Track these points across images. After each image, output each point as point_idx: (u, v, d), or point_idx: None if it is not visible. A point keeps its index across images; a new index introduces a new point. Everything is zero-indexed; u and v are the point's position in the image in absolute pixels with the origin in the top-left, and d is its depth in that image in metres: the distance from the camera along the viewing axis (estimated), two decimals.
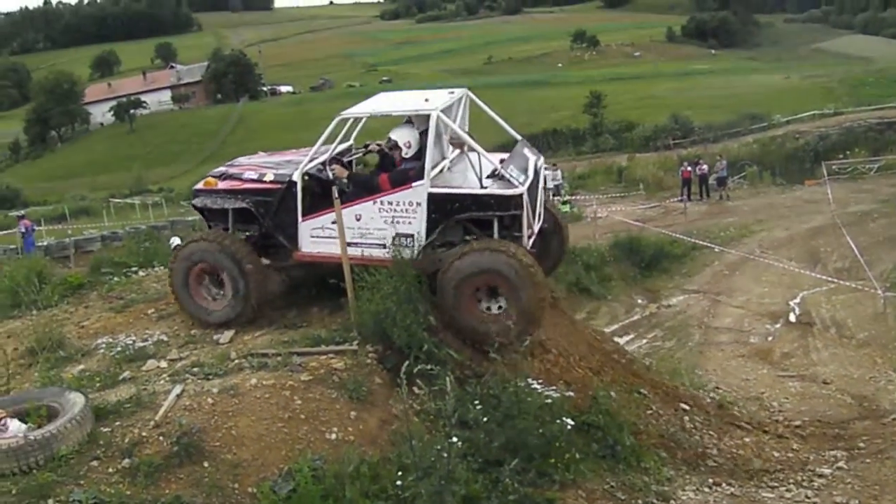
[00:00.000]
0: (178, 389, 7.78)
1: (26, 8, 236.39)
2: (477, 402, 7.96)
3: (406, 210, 9.65)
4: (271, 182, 10.30)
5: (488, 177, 9.60)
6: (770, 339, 18.17)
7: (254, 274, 10.06)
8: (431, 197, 9.49)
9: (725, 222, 31.19)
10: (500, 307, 9.35)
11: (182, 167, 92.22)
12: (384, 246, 9.78)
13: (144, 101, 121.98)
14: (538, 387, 8.41)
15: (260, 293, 10.18)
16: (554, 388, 8.68)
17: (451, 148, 10.66)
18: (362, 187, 10.08)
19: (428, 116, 9.63)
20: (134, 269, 15.01)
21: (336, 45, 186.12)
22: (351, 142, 11.27)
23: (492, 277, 9.17)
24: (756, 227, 29.94)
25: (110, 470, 6.74)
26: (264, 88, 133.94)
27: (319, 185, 10.30)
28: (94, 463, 6.80)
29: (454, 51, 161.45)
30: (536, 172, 10.21)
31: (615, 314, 21.35)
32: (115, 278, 14.26)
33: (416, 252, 9.57)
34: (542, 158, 10.91)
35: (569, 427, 8.02)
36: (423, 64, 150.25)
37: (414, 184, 9.59)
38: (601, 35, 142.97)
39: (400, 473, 6.81)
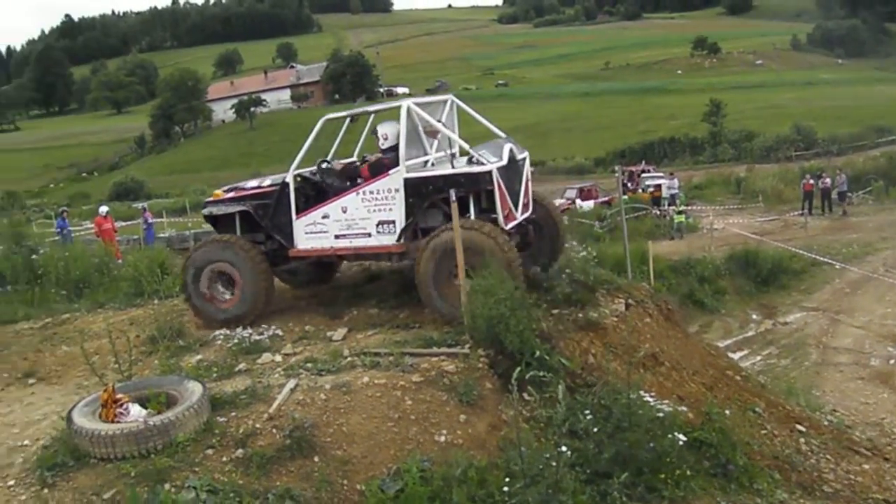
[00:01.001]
0: (291, 384, 7.91)
1: (155, 7, 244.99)
2: (587, 412, 7.84)
3: (385, 197, 10.36)
4: (269, 186, 11.24)
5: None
6: (892, 362, 17.45)
7: (261, 275, 10.84)
8: (407, 182, 10.19)
9: (848, 238, 30.14)
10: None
11: None
12: (369, 234, 10.53)
13: (264, 100, 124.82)
14: (650, 400, 8.26)
15: (266, 294, 11.01)
16: (666, 402, 8.52)
17: (435, 143, 11.16)
18: (348, 181, 11.04)
19: (408, 111, 10.38)
20: None
21: (453, 48, 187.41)
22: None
23: (466, 255, 9.47)
24: (880, 245, 28.81)
25: (224, 459, 6.88)
26: (381, 90, 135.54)
27: (310, 185, 11.28)
28: (209, 451, 6.96)
29: (571, 55, 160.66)
30: (515, 161, 10.64)
31: (729, 329, 20.90)
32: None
33: (397, 237, 10.32)
34: (525, 154, 11.28)
35: (680, 443, 7.83)
36: (540, 68, 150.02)
37: (391, 171, 10.31)
38: (722, 42, 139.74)
39: (507, 480, 6.75)
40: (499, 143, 10.90)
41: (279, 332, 10.20)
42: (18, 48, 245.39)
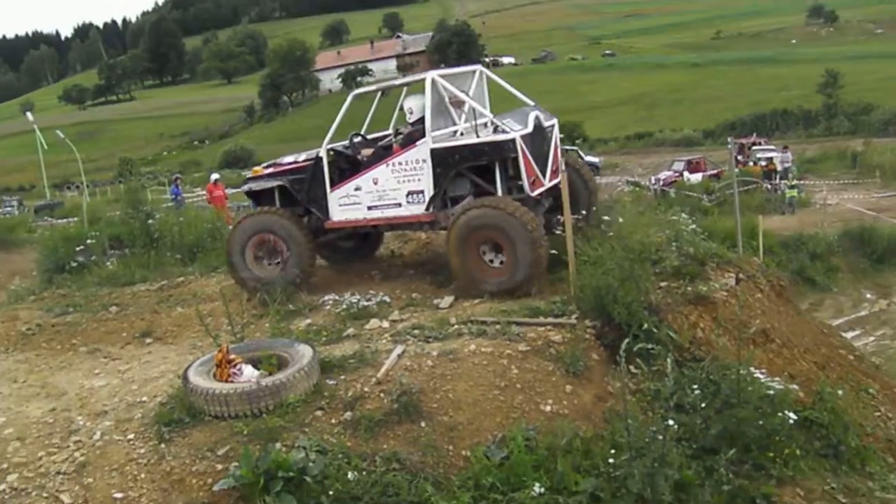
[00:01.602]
0: (399, 349, 8.00)
1: None
2: (695, 386, 7.71)
3: (414, 168, 10.66)
4: (304, 161, 11.66)
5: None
6: None
7: (304, 245, 11.23)
8: (434, 152, 10.45)
9: None
10: (501, 262, 10.15)
11: None
12: (399, 204, 10.83)
13: (371, 70, 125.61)
14: (760, 376, 8.08)
15: (308, 263, 11.38)
16: (777, 379, 8.31)
17: (461, 114, 11.43)
18: (380, 155, 11.34)
19: (433, 83, 10.71)
20: None
21: (559, 16, 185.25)
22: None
23: (493, 233, 9.99)
24: None
25: (333, 421, 7.03)
26: (486, 59, 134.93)
27: (344, 158, 11.57)
28: (319, 413, 7.12)
29: (681, 24, 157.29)
30: (542, 128, 10.87)
31: (840, 308, 20.33)
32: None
33: (426, 206, 10.63)
34: (554, 121, 11.47)
35: (791, 421, 7.63)
36: (648, 38, 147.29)
37: (418, 142, 10.60)
38: (840, 9, 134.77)
39: (612, 451, 6.72)
40: (525, 111, 11.10)
41: (387, 298, 10.28)
42: (133, 20, 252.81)
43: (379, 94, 12.46)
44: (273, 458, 6.14)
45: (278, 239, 11.35)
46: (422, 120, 10.72)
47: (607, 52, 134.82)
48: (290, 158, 12.19)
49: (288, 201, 11.85)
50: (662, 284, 9.64)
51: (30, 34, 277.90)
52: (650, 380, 7.90)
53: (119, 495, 6.51)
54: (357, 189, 11.09)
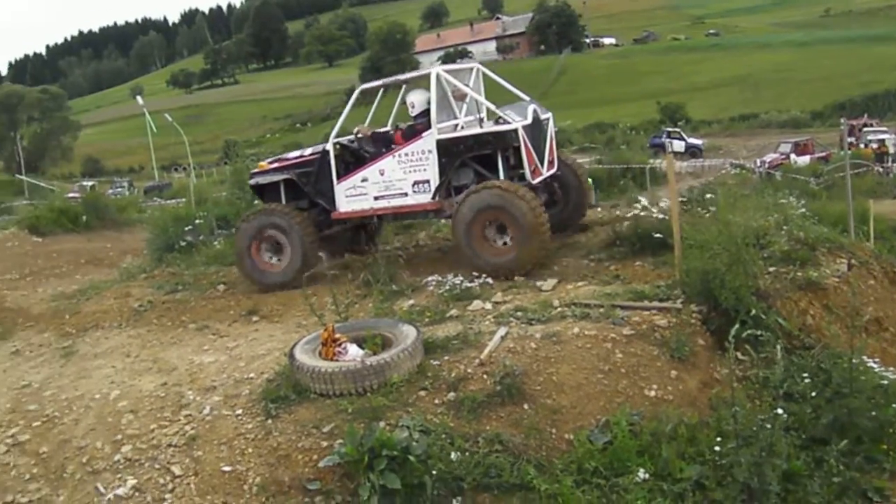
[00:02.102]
0: (502, 331, 7.99)
1: None
2: (805, 374, 7.51)
3: (420, 159, 11.32)
4: (310, 155, 12.39)
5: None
6: None
7: (307, 242, 11.85)
8: (439, 143, 11.10)
9: None
10: (504, 242, 10.79)
11: None
12: (406, 194, 11.52)
13: (470, 52, 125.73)
14: (874, 366, 7.81)
15: (311, 259, 11.98)
16: (891, 369, 8.02)
17: (464, 107, 11.83)
18: (383, 146, 12.05)
19: (438, 78, 11.44)
20: None
21: None
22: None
23: (497, 213, 10.57)
24: None
25: (436, 401, 7.05)
26: (587, 40, 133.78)
27: (349, 152, 12.37)
28: (422, 393, 7.15)
29: (787, 2, 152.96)
30: (539, 121, 11.47)
31: None
32: (442, 220, 14.86)
33: (432, 195, 11.28)
34: (549, 115, 12.01)
35: None
36: (754, 17, 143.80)
37: (424, 134, 11.24)
38: None
39: (718, 439, 6.57)
40: (522, 104, 11.65)
41: (489, 280, 10.31)
42: (238, 5, 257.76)
43: (382, 89, 13.24)
44: (377, 437, 6.19)
45: (281, 235, 11.99)
46: (424, 113, 11.53)
47: (711, 31, 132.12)
48: (295, 153, 13.05)
49: (293, 195, 12.58)
50: (771, 269, 9.41)
51: (139, 21, 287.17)
52: (758, 367, 7.73)
53: (227, 468, 6.67)
54: (364, 180, 11.77)
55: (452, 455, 6.32)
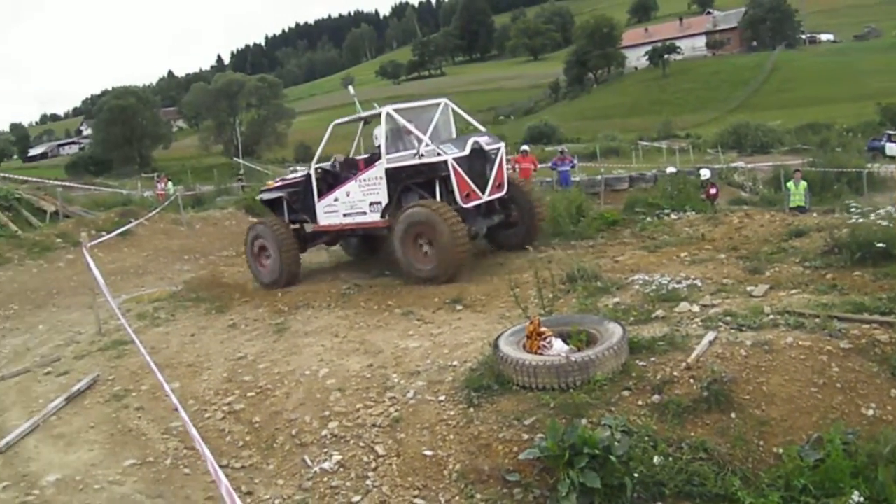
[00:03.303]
0: (711, 336, 7.75)
1: None
2: None
3: (374, 183, 13.61)
4: (300, 177, 15.31)
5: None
6: None
7: (287, 251, 14.42)
8: (387, 171, 13.41)
9: None
10: (425, 253, 12.81)
11: (710, 114, 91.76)
12: (364, 213, 13.87)
13: (679, 47, 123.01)
14: None
15: (292, 263, 14.53)
16: None
17: (420, 141, 13.40)
18: (352, 171, 14.44)
19: (385, 115, 13.56)
20: (666, 211, 15.27)
21: None
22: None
23: (423, 228, 12.67)
24: None
25: (640, 403, 6.91)
26: (803, 36, 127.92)
27: (330, 175, 14.77)
28: (626, 393, 7.02)
29: None
30: (480, 151, 13.42)
31: None
32: (648, 218, 14.64)
33: (381, 213, 13.58)
34: (499, 145, 13.98)
35: None
36: None
37: (377, 163, 13.58)
38: None
39: None
40: (466, 137, 13.78)
41: (697, 282, 10.04)
42: None
43: (362, 122, 14.99)
44: (579, 434, 6.13)
45: (267, 243, 14.64)
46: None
47: None
48: (294, 175, 16.08)
49: (292, 210, 15.22)
50: None
51: (352, 13, 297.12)
52: None
53: (429, 453, 6.80)
54: (336, 199, 14.21)
55: (655, 459, 6.18)
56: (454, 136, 14.33)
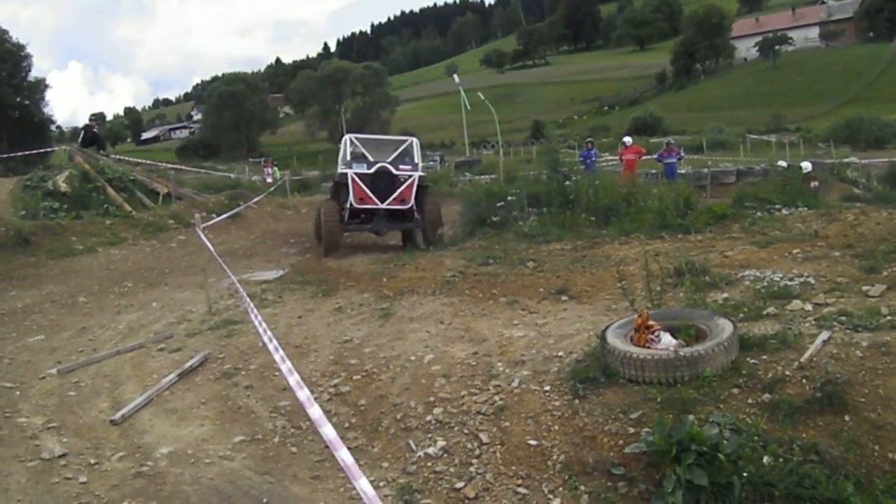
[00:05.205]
0: (825, 335, 7.55)
1: None
2: None
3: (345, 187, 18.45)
4: (339, 177, 18.96)
5: None
6: None
7: (332, 226, 17.94)
8: (337, 177, 19.13)
9: None
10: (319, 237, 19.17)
11: (822, 107, 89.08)
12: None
13: (790, 38, 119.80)
14: None
15: (334, 238, 18.04)
16: None
17: (391, 157, 18.75)
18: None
19: (349, 140, 19.48)
20: (777, 206, 14.91)
21: None
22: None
23: (319, 213, 19.10)
24: None
25: (749, 401, 6.77)
26: None
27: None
28: (735, 390, 6.89)
29: None
30: (386, 173, 18.01)
31: None
32: (758, 213, 14.33)
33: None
34: (416, 174, 18.47)
35: None
36: None
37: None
38: None
39: None
40: (381, 161, 18.23)
41: (810, 279, 9.76)
42: None
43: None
44: (687, 430, 6.06)
45: (321, 219, 18.51)
46: (355, 158, 18.72)
47: None
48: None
49: (339, 197, 19.10)
50: None
51: (457, 2, 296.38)
52: None
53: (533, 442, 6.81)
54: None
55: (764, 459, 6.04)
56: (418, 162, 18.89)
